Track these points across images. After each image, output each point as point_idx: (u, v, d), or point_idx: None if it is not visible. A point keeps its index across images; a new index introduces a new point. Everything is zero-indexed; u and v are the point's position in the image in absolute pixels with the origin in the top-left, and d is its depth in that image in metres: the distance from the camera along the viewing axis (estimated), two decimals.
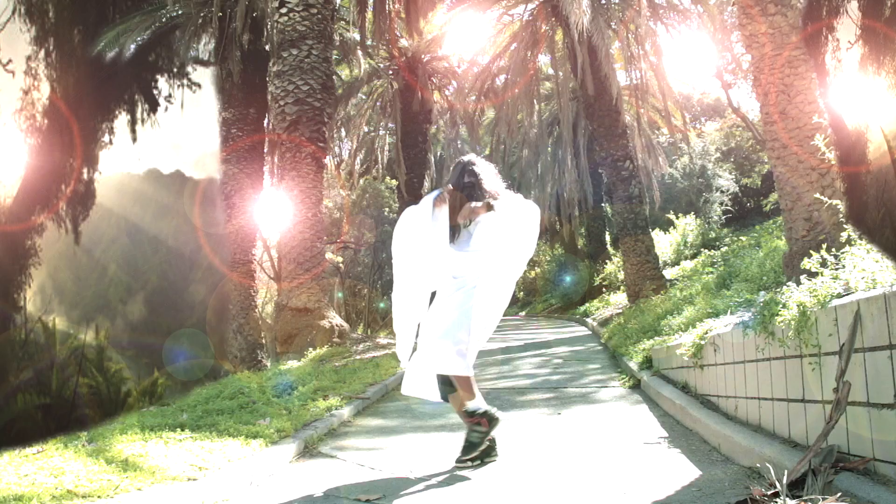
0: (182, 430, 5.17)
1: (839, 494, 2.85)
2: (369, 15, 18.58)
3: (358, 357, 10.80)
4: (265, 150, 17.10)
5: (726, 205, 30.05)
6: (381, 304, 25.63)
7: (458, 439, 5.47)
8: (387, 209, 33.03)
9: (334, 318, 13.13)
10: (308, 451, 5.23)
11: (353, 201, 31.35)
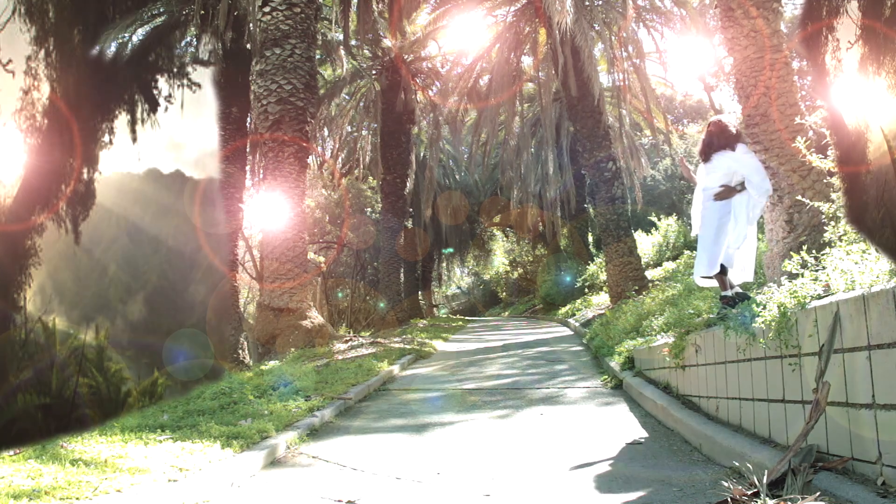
0: (163, 431, 5.14)
1: (818, 493, 2.87)
2: (353, 15, 18.51)
3: (340, 357, 10.76)
4: (247, 149, 17.03)
5: None
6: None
7: (440, 439, 5.48)
8: (369, 209, 32.94)
9: (316, 318, 13.08)
10: (290, 451, 5.20)
11: (335, 201, 31.23)
